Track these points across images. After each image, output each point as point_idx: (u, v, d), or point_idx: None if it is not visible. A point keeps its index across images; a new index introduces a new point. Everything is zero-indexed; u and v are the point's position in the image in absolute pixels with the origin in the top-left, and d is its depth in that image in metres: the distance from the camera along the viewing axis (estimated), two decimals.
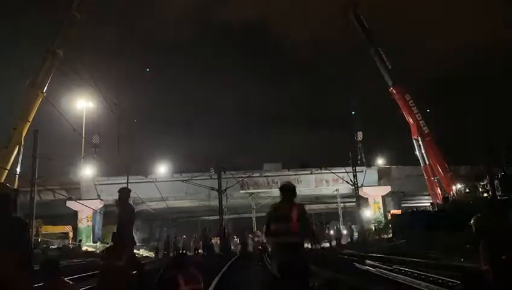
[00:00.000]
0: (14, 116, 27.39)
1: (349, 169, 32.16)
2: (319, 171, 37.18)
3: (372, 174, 37.16)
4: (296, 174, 37.82)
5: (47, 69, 27.77)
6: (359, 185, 31.84)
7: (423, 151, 30.31)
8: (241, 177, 35.41)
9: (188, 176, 34.85)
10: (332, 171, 34.90)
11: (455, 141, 42.23)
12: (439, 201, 29.14)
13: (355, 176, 31.28)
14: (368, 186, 35.54)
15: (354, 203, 33.48)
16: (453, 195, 28.43)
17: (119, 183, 32.49)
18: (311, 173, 37.64)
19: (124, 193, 7.61)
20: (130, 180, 30.89)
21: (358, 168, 35.52)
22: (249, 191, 37.82)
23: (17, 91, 33.18)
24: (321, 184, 37.82)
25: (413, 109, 30.92)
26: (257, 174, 37.47)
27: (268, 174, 37.79)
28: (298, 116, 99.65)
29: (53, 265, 4.09)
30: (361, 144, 42.05)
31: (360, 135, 42.05)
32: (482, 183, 26.88)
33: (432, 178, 30.20)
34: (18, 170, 26.37)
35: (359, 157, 40.27)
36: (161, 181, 34.58)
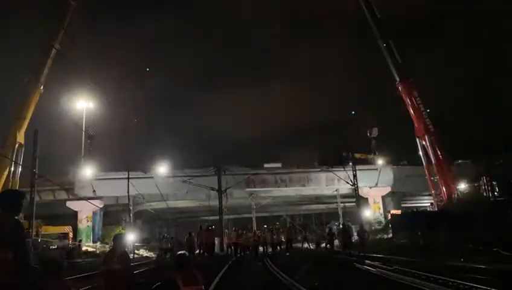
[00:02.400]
0: (12, 114, 27.44)
1: (362, 167, 31.55)
2: (330, 169, 35.82)
3: (387, 174, 36.04)
4: (305, 172, 36.66)
5: (43, 63, 27.70)
6: (374, 185, 30.90)
7: (426, 150, 29.80)
8: (247, 173, 34.30)
9: (188, 172, 34.15)
10: (344, 169, 33.63)
11: (457, 141, 41.81)
12: (441, 201, 29.12)
13: (355, 176, 31.16)
14: (368, 186, 35.63)
15: (354, 203, 33.42)
16: (457, 195, 28.33)
17: (117, 179, 31.22)
18: (321, 171, 36.49)
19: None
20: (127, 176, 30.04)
21: (372, 167, 35.22)
22: (255, 189, 36.32)
23: (12, 88, 33.13)
24: (332, 183, 36.15)
25: (419, 106, 29.59)
26: (264, 171, 36.08)
27: (278, 171, 36.43)
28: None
29: (55, 265, 4.08)
30: (375, 140, 39.55)
31: (375, 131, 39.49)
32: (482, 184, 26.91)
33: (432, 178, 30.10)
34: (19, 170, 26.35)
35: (372, 156, 38.45)
36: (161, 178, 33.71)
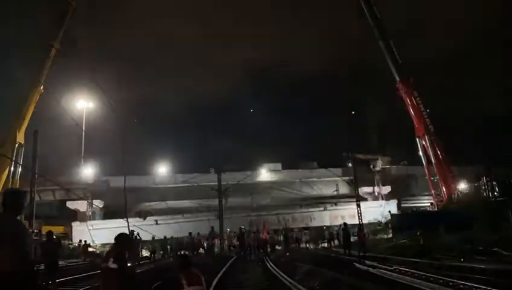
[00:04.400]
0: (12, 114, 27.49)
1: (366, 204, 32.61)
2: (334, 207, 36.68)
3: (391, 207, 35.59)
4: (308, 211, 36.97)
5: (43, 63, 27.73)
6: (379, 218, 31.75)
7: (426, 150, 29.68)
8: (249, 215, 35.21)
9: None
10: (346, 207, 34.52)
11: (457, 141, 41.51)
12: (441, 201, 29.11)
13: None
14: (368, 186, 35.59)
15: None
16: (458, 195, 28.32)
17: (113, 228, 30.89)
18: (325, 209, 36.94)
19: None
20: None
21: (376, 203, 35.43)
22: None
23: (12, 88, 33.07)
24: (336, 221, 35.03)
25: (419, 106, 29.55)
26: (265, 212, 36.34)
27: (280, 211, 36.91)
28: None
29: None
30: (378, 174, 38.38)
31: (379, 165, 38.50)
32: (482, 184, 26.92)
33: (432, 178, 30.07)
34: (19, 170, 26.34)
35: (376, 187, 38.13)
36: (162, 224, 33.50)
